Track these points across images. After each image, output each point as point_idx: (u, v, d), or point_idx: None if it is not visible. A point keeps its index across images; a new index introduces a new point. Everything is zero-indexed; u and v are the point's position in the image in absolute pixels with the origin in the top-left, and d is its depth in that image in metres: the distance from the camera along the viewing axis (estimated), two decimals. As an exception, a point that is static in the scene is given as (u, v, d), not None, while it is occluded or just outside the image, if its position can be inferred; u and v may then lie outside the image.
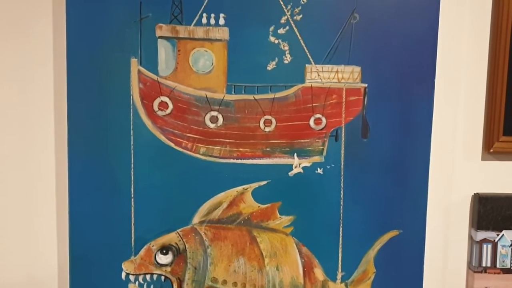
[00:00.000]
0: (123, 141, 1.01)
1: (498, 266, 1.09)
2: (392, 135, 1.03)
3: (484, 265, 1.09)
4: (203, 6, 0.99)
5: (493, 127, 1.07)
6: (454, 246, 1.11)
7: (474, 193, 1.09)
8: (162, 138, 1.02)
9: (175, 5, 0.98)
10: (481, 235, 1.08)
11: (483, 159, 1.09)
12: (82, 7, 0.98)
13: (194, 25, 0.99)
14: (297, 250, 1.05)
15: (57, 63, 1.03)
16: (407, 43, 1.01)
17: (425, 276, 1.06)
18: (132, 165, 1.01)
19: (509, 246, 1.08)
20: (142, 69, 1.00)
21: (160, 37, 0.99)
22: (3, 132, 1.04)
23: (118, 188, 1.02)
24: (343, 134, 1.03)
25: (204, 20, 0.99)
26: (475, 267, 1.09)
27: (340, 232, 1.05)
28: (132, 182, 1.02)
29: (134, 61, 0.99)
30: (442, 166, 1.08)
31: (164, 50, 1.00)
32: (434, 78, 1.02)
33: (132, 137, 1.01)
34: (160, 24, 0.99)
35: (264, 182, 1.03)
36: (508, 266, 1.08)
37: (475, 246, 1.09)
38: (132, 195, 1.02)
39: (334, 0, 0.99)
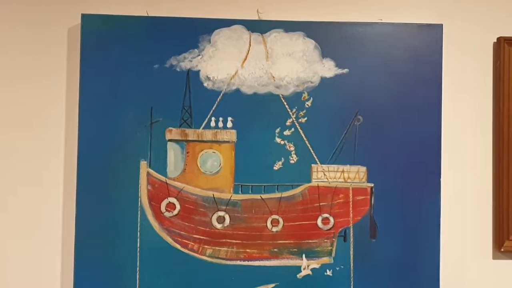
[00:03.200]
0: (130, 243, 1.00)
1: None
2: (400, 235, 1.02)
3: None
4: (211, 110, 1.03)
5: (502, 226, 1.06)
6: None
7: (489, 294, 1.06)
8: (169, 239, 1.01)
9: (185, 110, 1.03)
10: None
11: (494, 258, 1.07)
12: (95, 110, 1.02)
13: (203, 128, 1.03)
14: None
15: (68, 163, 1.04)
16: (411, 142, 1.04)
17: None
18: (138, 268, 1.00)
19: None
20: (151, 171, 1.02)
21: (170, 140, 1.02)
22: (14, 236, 1.04)
23: (123, 292, 1.00)
24: (351, 234, 1.02)
25: (212, 123, 1.03)
26: None
27: (352, 338, 1.00)
28: (137, 286, 0.99)
29: (143, 164, 1.02)
30: (452, 266, 1.05)
31: (173, 152, 1.02)
32: (440, 177, 1.03)
33: (138, 239, 1.00)
34: (170, 128, 1.02)
35: (272, 285, 1.01)
36: None
37: None
38: (137, 300, 0.99)
39: (338, 103, 1.04)
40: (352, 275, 1.01)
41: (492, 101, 1.08)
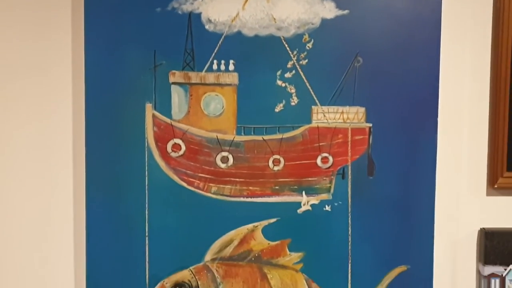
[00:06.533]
0: (138, 182, 1.06)
1: (507, 301, 1.10)
2: (397, 173, 1.06)
3: (493, 300, 1.10)
4: (213, 53, 1.04)
5: (496, 163, 1.09)
6: (462, 280, 1.12)
7: (480, 228, 1.11)
8: (175, 178, 1.06)
9: (187, 53, 1.04)
10: (488, 269, 1.09)
11: (488, 194, 1.12)
12: (100, 55, 1.04)
13: (206, 71, 1.05)
14: (307, 287, 1.07)
15: (76, 108, 1.08)
16: (409, 83, 1.06)
17: (434, 311, 1.08)
18: (146, 205, 1.06)
19: (517, 281, 1.09)
20: (156, 113, 1.05)
21: (173, 83, 1.05)
22: (26, 176, 1.10)
23: (133, 228, 1.06)
24: (349, 172, 1.07)
25: (215, 66, 1.05)
26: (484, 302, 1.10)
27: (349, 268, 1.07)
28: (146, 222, 1.06)
29: (149, 106, 1.05)
30: (447, 202, 1.10)
31: (177, 95, 1.05)
32: (437, 116, 1.06)
33: (146, 178, 1.06)
34: (173, 71, 1.05)
35: (274, 220, 1.07)
36: (517, 301, 1.10)
37: (483, 281, 1.10)
38: (147, 234, 1.06)
39: (338, 45, 1.05)
40: (349, 210, 1.06)
41: (491, 40, 1.08)
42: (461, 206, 1.11)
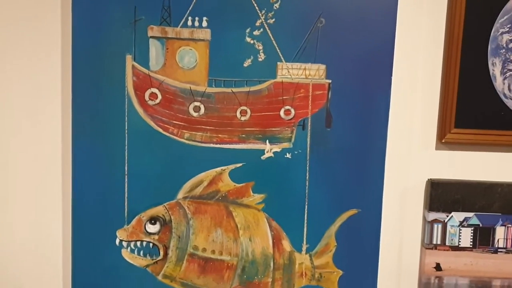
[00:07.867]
0: (119, 127, 1.17)
1: (447, 243, 1.22)
2: (352, 125, 1.17)
3: (435, 242, 1.22)
4: (188, 10, 1.14)
5: (445, 120, 1.20)
6: (409, 225, 1.25)
7: (428, 179, 1.22)
8: (152, 124, 1.18)
9: (165, 9, 1.14)
10: (432, 216, 1.22)
11: (436, 148, 1.23)
12: (86, 11, 1.14)
13: (181, 27, 1.15)
14: (267, 224, 1.20)
15: (64, 59, 1.19)
16: (367, 43, 1.15)
17: (381, 251, 1.21)
18: (126, 147, 1.18)
19: (457, 226, 1.21)
20: (135, 64, 1.16)
21: (151, 37, 1.15)
22: (18, 117, 1.22)
23: (114, 167, 1.18)
24: (309, 124, 1.18)
25: (189, 23, 1.15)
26: (427, 244, 1.23)
27: (306, 209, 1.20)
28: (126, 162, 1.18)
29: (129, 57, 1.16)
30: (398, 153, 1.21)
31: (154, 48, 1.16)
32: (391, 75, 1.16)
33: (126, 123, 1.17)
34: (152, 26, 1.15)
35: (240, 164, 1.19)
36: (456, 244, 1.22)
37: (427, 225, 1.22)
38: (126, 173, 1.18)
39: (303, 6, 1.14)
40: (308, 158, 1.18)
41: (446, 4, 1.17)
42: (412, 158, 1.23)
